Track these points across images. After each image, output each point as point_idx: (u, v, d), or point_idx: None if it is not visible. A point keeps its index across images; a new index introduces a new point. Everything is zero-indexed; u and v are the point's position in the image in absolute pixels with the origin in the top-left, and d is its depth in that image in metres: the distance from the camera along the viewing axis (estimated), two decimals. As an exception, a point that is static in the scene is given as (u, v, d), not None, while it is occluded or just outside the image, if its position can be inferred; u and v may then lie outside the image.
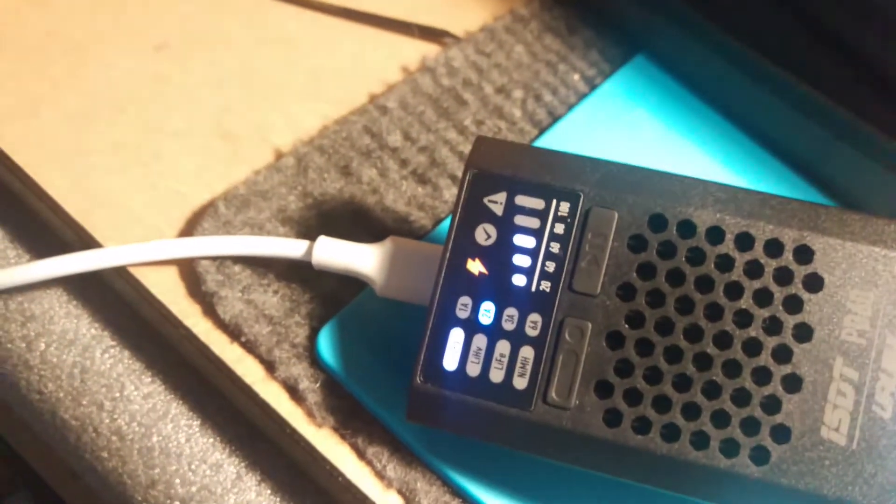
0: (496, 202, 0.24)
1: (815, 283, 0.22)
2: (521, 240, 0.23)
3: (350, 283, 0.27)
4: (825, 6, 0.34)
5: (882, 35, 0.33)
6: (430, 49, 0.34)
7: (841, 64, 0.34)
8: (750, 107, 0.36)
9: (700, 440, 0.22)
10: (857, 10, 0.33)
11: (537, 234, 0.23)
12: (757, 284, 0.22)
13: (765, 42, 0.35)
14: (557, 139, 0.33)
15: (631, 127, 0.34)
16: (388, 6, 0.35)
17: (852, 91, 0.34)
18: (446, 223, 0.29)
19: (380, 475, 0.25)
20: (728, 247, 0.22)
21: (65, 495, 0.44)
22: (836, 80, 0.34)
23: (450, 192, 0.30)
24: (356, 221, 0.29)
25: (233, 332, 0.26)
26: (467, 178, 0.24)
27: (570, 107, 0.34)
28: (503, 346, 0.23)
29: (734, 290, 0.22)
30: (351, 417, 0.25)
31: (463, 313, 0.23)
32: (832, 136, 0.34)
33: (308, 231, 0.28)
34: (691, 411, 0.22)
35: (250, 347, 0.25)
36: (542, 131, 0.33)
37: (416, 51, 0.34)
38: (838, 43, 0.34)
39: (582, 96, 0.35)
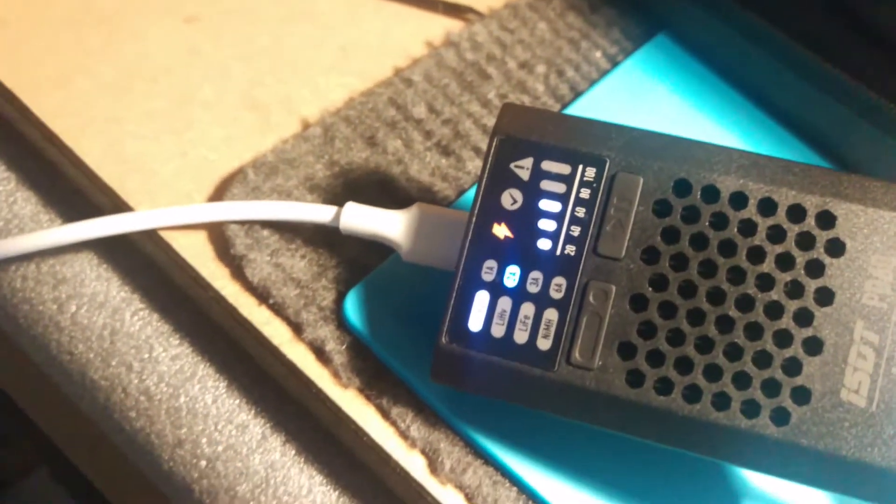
0: (522, 167, 0.24)
1: (836, 248, 0.22)
2: (546, 204, 0.24)
3: (375, 249, 0.27)
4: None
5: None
6: (454, 25, 0.34)
7: (862, 42, 0.34)
8: (770, 85, 0.36)
9: (721, 401, 0.22)
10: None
11: (563, 198, 0.24)
12: (779, 249, 0.23)
13: (785, 20, 0.35)
14: (580, 113, 0.33)
15: (652, 103, 0.35)
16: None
17: (873, 69, 0.34)
18: (469, 193, 0.30)
19: (404, 435, 0.25)
20: (751, 212, 0.23)
21: (84, 468, 0.45)
22: (857, 59, 0.34)
23: (473, 164, 0.30)
24: (381, 190, 0.29)
25: (261, 294, 0.26)
26: (494, 143, 0.24)
27: (593, 82, 0.34)
28: (528, 309, 0.23)
29: (757, 255, 0.23)
30: (376, 379, 0.26)
31: (488, 276, 0.24)
32: (853, 114, 0.34)
33: (335, 198, 0.28)
34: (713, 373, 0.22)
35: (278, 309, 0.26)
36: (564, 106, 0.33)
37: (440, 26, 0.34)
38: (859, 21, 0.34)
39: (604, 73, 0.35)
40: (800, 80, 0.35)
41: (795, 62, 0.35)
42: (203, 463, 0.26)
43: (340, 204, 0.26)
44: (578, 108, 0.33)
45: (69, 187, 0.29)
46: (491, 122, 0.32)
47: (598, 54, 0.36)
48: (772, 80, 0.36)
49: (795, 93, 0.35)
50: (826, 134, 0.35)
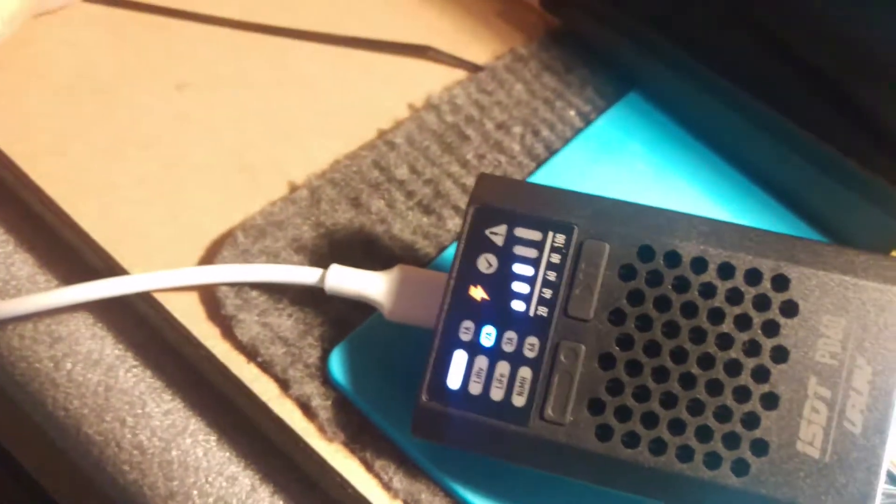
0: (497, 234, 0.26)
1: (791, 309, 0.24)
2: (520, 268, 0.25)
3: (359, 308, 0.28)
4: (811, 48, 0.36)
5: (862, 75, 0.35)
6: (436, 84, 0.36)
7: (825, 102, 0.36)
8: (737, 142, 0.38)
9: (685, 453, 0.24)
10: (842, 52, 0.36)
11: (535, 263, 0.25)
12: (737, 310, 0.24)
13: (751, 81, 0.37)
14: (554, 172, 0.35)
15: (624, 160, 0.36)
16: (398, 49, 0.37)
17: (835, 128, 0.36)
18: (450, 250, 0.31)
19: (387, 487, 0.26)
20: (711, 275, 0.24)
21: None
22: (819, 116, 0.36)
23: (453, 222, 0.32)
24: (365, 250, 0.30)
25: (250, 352, 0.27)
26: (470, 212, 0.26)
27: (567, 141, 0.36)
28: (503, 367, 0.25)
29: (716, 316, 0.24)
30: (360, 433, 0.27)
31: (466, 336, 0.25)
32: (816, 170, 0.36)
33: (321, 259, 0.30)
34: (677, 427, 0.24)
35: (266, 367, 0.27)
36: (539, 164, 0.35)
37: (422, 89, 0.36)
38: (822, 83, 0.36)
39: (577, 131, 0.37)
40: (764, 137, 0.37)
41: (760, 120, 0.37)
42: (194, 515, 0.27)
43: (326, 265, 0.28)
44: (553, 167, 0.35)
45: (65, 249, 0.30)
46: (469, 181, 0.33)
47: (572, 113, 0.37)
48: (739, 137, 0.37)
49: (760, 149, 0.37)
50: (790, 188, 0.37)
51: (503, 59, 0.38)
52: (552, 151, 0.36)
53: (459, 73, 0.37)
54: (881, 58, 0.35)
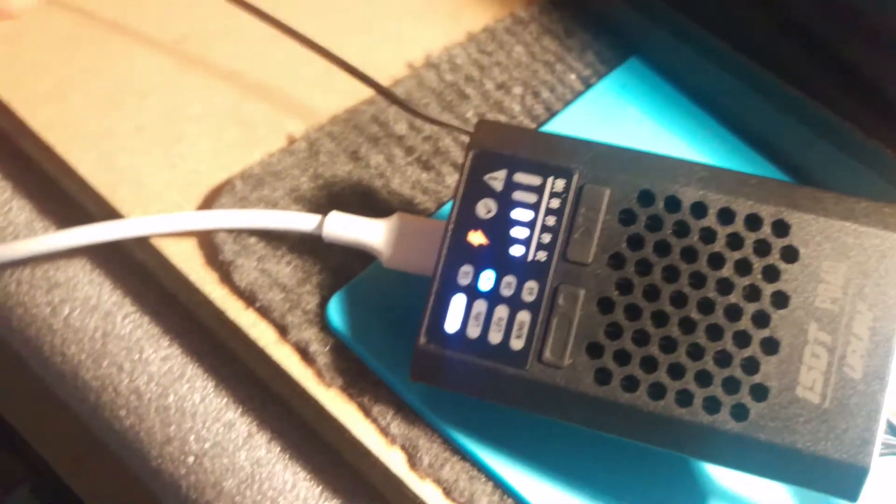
0: (496, 179, 0.26)
1: (791, 255, 0.24)
2: (519, 213, 0.25)
3: (357, 257, 0.28)
4: (810, 13, 0.36)
5: (860, 40, 0.35)
6: (434, 41, 0.36)
7: (824, 67, 0.36)
8: (737, 107, 0.38)
9: (684, 398, 0.24)
10: (840, 16, 0.36)
11: (534, 207, 0.25)
12: (737, 255, 0.24)
13: (751, 46, 0.37)
14: (554, 132, 0.35)
15: (623, 124, 0.36)
16: (396, 8, 0.37)
17: (833, 92, 0.36)
18: (449, 206, 0.31)
19: (384, 432, 0.26)
20: (711, 221, 0.24)
21: (71, 482, 0.45)
22: (818, 82, 0.36)
23: (452, 178, 0.32)
24: (364, 202, 0.30)
25: (248, 298, 0.27)
26: (469, 156, 0.26)
27: (567, 104, 0.36)
28: (502, 311, 0.25)
29: (716, 261, 0.24)
30: (358, 379, 0.27)
31: (465, 280, 0.25)
32: (814, 135, 0.36)
33: (319, 209, 0.30)
34: (676, 371, 0.24)
35: (264, 312, 0.27)
36: (539, 125, 0.35)
37: (421, 48, 0.36)
38: (821, 47, 0.36)
39: (578, 94, 0.37)
40: (763, 102, 0.37)
41: (759, 85, 0.36)
42: (191, 459, 0.27)
43: (324, 214, 0.28)
44: (553, 128, 0.35)
45: (62, 197, 0.30)
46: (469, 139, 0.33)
47: (573, 77, 0.37)
48: (737, 102, 0.37)
49: (760, 113, 0.37)
50: (789, 152, 0.37)
51: (503, 22, 0.38)
52: (552, 113, 0.36)
53: (458, 34, 0.37)
54: (882, 23, 0.35)
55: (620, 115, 0.37)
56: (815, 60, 0.36)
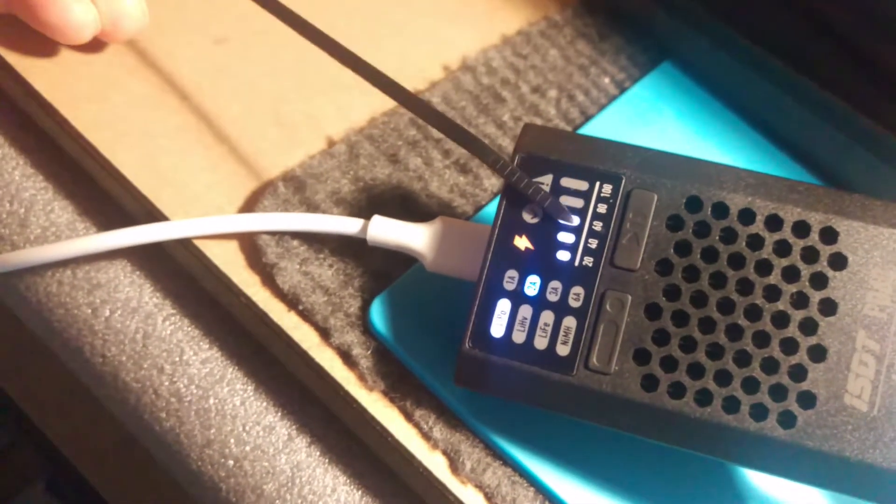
0: (543, 183, 0.26)
1: (839, 262, 0.24)
2: (565, 218, 0.25)
3: (399, 260, 0.28)
4: (846, 18, 0.36)
5: (898, 45, 0.35)
6: (470, 44, 0.36)
7: (859, 72, 0.36)
8: (771, 111, 0.38)
9: (731, 404, 0.24)
10: (876, 21, 0.35)
11: (581, 213, 0.25)
12: (785, 262, 0.24)
13: (787, 50, 0.37)
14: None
15: (657, 128, 0.36)
16: (432, 12, 0.37)
17: (870, 98, 0.36)
18: (487, 209, 0.31)
19: (426, 436, 0.26)
20: (758, 227, 0.24)
21: (93, 480, 0.45)
22: (854, 88, 0.36)
23: (489, 182, 0.32)
24: (403, 205, 0.30)
25: (290, 301, 0.27)
26: (516, 160, 0.26)
27: (601, 107, 0.36)
28: (547, 316, 0.25)
29: (764, 267, 0.24)
30: (400, 382, 0.27)
31: (510, 285, 0.25)
32: (850, 140, 0.36)
33: (360, 212, 0.30)
34: (723, 378, 0.24)
35: (307, 315, 0.27)
36: (574, 129, 0.35)
37: (457, 50, 0.36)
38: (857, 53, 0.36)
39: (612, 98, 0.37)
40: (799, 107, 0.37)
41: (795, 90, 0.36)
42: (231, 462, 0.27)
43: (365, 217, 0.28)
44: (588, 131, 0.35)
45: (104, 197, 0.30)
46: (506, 142, 0.33)
47: (607, 80, 0.37)
48: (772, 107, 0.37)
49: (795, 119, 0.37)
50: (824, 159, 0.37)
51: (537, 25, 0.38)
52: (587, 117, 0.36)
53: (492, 37, 0.37)
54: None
55: (655, 118, 0.37)
56: (851, 66, 0.36)
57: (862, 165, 0.36)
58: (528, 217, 0.25)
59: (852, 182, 0.37)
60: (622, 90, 0.37)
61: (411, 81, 0.34)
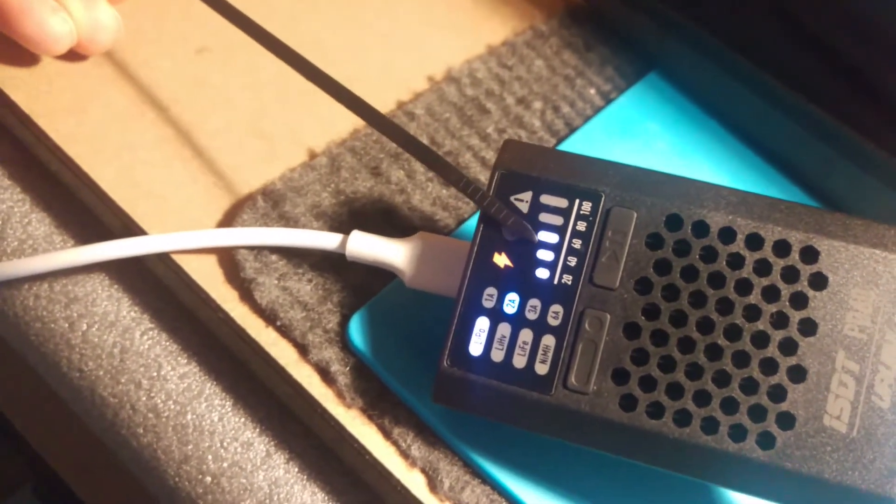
0: (522, 200, 0.25)
1: (819, 282, 0.24)
2: (545, 236, 0.25)
3: (378, 276, 0.28)
4: (832, 30, 0.36)
5: (882, 57, 0.35)
6: (454, 55, 0.36)
7: (845, 84, 0.36)
8: (757, 124, 0.37)
9: (710, 425, 0.23)
10: (862, 33, 0.35)
11: (560, 230, 0.25)
12: (765, 282, 0.24)
13: (772, 62, 0.36)
14: (574, 149, 0.34)
15: (643, 139, 0.36)
16: (417, 22, 0.37)
17: (855, 110, 0.35)
18: (469, 223, 0.31)
19: (404, 454, 0.26)
20: (739, 246, 0.24)
21: (77, 489, 0.45)
22: (840, 100, 0.36)
23: (472, 195, 0.31)
24: (385, 219, 0.30)
25: (268, 316, 0.27)
26: (496, 177, 0.25)
27: (587, 119, 0.36)
28: (526, 335, 0.25)
29: (744, 287, 0.24)
30: (378, 399, 0.26)
31: (489, 303, 0.25)
32: (835, 153, 0.35)
33: (340, 226, 0.29)
34: (702, 398, 0.23)
35: (285, 331, 0.27)
36: (559, 141, 0.35)
37: (442, 62, 0.35)
38: (843, 65, 0.36)
39: (598, 109, 0.36)
40: (785, 120, 0.36)
41: (781, 103, 0.36)
42: (208, 479, 0.27)
43: (346, 231, 0.27)
44: (573, 143, 0.34)
45: (82, 210, 0.30)
46: (489, 155, 0.33)
47: (593, 91, 0.37)
48: (758, 119, 0.37)
49: (781, 131, 0.37)
50: (810, 171, 0.37)
51: (523, 35, 0.38)
52: (572, 128, 0.35)
53: (478, 48, 0.37)
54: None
55: (641, 130, 0.36)
56: (837, 78, 0.36)
57: (847, 178, 0.36)
58: (507, 234, 0.25)
59: (837, 194, 0.37)
60: (608, 101, 0.37)
61: (395, 92, 0.34)
